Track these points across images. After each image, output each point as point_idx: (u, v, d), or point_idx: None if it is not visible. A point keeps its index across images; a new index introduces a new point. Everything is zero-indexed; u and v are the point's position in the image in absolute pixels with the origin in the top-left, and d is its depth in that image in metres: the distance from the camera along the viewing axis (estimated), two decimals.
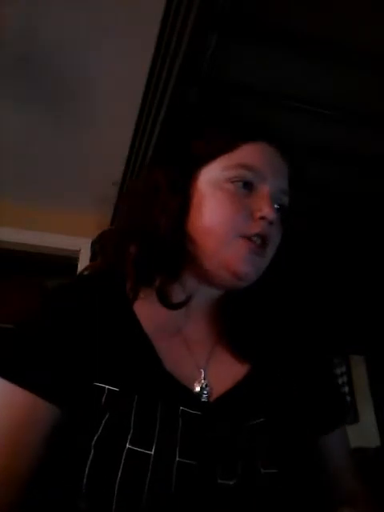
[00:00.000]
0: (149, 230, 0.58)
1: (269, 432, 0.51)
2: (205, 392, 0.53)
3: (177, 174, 0.61)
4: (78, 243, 2.29)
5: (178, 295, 0.58)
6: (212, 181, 0.59)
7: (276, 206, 0.60)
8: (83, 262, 2.26)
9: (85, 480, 0.44)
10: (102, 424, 0.46)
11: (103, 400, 0.47)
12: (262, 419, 0.52)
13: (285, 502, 0.48)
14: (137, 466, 0.44)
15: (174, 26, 0.79)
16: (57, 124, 1.75)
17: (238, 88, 0.84)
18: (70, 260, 2.33)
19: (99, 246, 0.67)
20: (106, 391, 0.48)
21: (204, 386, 0.54)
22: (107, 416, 0.46)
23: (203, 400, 0.52)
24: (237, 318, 0.62)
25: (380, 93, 0.83)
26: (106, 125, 1.71)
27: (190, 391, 0.53)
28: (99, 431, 0.45)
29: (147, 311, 0.57)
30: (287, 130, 0.97)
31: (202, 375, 0.55)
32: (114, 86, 1.55)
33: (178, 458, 0.45)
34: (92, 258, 2.24)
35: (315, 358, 0.65)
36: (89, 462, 0.44)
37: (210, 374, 0.55)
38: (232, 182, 0.58)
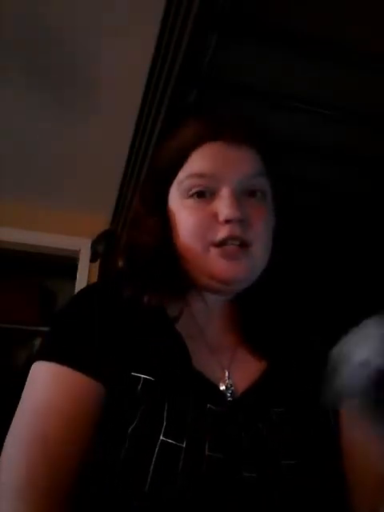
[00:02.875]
0: (134, 249, 0.62)
1: (289, 421, 0.54)
2: (229, 391, 0.55)
3: (151, 197, 0.64)
4: (77, 243, 2.29)
5: (198, 304, 0.61)
6: (175, 199, 0.61)
7: (248, 192, 0.58)
8: (83, 262, 2.26)
9: (120, 468, 0.46)
10: (138, 414, 0.48)
11: (139, 389, 0.50)
12: (282, 409, 0.54)
13: (305, 494, 0.50)
14: (169, 457, 0.46)
15: (174, 26, 0.79)
16: (57, 124, 1.75)
17: (238, 88, 0.84)
18: (70, 260, 2.33)
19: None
20: (142, 380, 0.50)
21: (229, 385, 0.56)
22: (143, 406, 0.49)
23: (228, 399, 0.55)
24: (254, 319, 0.64)
25: (380, 93, 0.83)
26: (106, 125, 1.71)
27: (217, 389, 0.55)
28: (135, 421, 0.48)
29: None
30: (287, 130, 0.97)
31: (226, 375, 0.57)
32: (114, 86, 1.55)
33: (207, 452, 0.48)
34: (92, 258, 2.24)
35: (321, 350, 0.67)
36: (123, 451, 0.47)
37: (233, 374, 0.57)
38: (189, 197, 0.59)
